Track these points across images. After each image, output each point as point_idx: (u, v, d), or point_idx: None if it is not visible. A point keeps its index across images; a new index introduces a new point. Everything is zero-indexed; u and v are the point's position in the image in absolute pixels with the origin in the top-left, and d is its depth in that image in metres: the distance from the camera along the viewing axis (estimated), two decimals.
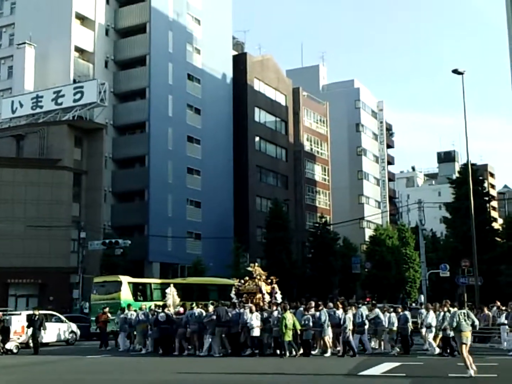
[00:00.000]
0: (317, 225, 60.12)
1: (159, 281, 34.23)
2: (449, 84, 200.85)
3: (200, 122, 54.93)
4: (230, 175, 57.01)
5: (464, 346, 14.40)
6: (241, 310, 20.97)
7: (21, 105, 47.77)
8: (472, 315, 15.15)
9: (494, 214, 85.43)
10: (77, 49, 50.12)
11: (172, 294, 24.33)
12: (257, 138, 60.55)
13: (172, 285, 25.52)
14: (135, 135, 51.86)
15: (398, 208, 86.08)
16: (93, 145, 46.52)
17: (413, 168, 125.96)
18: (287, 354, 19.48)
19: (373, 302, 26.83)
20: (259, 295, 22.66)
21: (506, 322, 21.75)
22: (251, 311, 20.54)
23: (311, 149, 69.61)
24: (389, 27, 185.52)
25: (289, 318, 19.61)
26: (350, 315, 20.48)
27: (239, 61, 60.13)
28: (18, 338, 25.21)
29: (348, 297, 60.33)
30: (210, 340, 21.01)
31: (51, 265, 40.65)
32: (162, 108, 51.23)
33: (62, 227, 41.02)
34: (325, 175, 71.72)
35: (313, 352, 20.52)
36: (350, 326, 20.09)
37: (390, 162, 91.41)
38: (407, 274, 60.95)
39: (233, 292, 23.26)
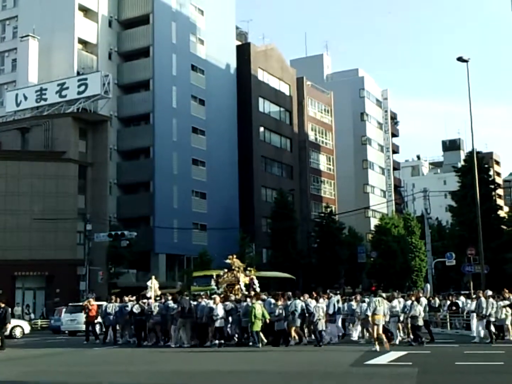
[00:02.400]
0: (322, 214, 60.17)
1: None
2: (454, 71, 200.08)
3: (204, 113, 54.88)
4: (235, 166, 57.00)
5: (376, 326, 18.32)
6: (207, 302, 21.23)
7: (26, 98, 47.77)
8: (385, 302, 18.95)
9: (500, 202, 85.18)
10: (81, 41, 50.07)
11: (153, 287, 24.49)
12: (261, 128, 60.48)
13: (153, 277, 25.69)
14: (140, 127, 51.86)
15: (403, 197, 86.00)
16: (97, 137, 46.54)
17: (418, 157, 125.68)
18: (259, 344, 19.62)
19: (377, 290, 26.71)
20: (237, 286, 23.07)
21: (473, 309, 21.80)
22: (215, 302, 20.81)
23: (316, 138, 69.50)
24: (393, 14, 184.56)
25: (258, 308, 19.75)
26: (321, 304, 20.42)
27: (243, 51, 59.98)
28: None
29: (354, 286, 60.65)
30: (174, 332, 21.44)
31: (57, 258, 40.75)
32: (166, 99, 51.18)
33: (68, 220, 41.09)
34: (330, 164, 71.63)
35: (291, 343, 20.46)
36: (320, 315, 19.94)
37: (395, 151, 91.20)
38: (413, 263, 60.97)
39: (212, 283, 23.83)
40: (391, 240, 59.80)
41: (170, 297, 22.51)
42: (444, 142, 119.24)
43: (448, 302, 25.66)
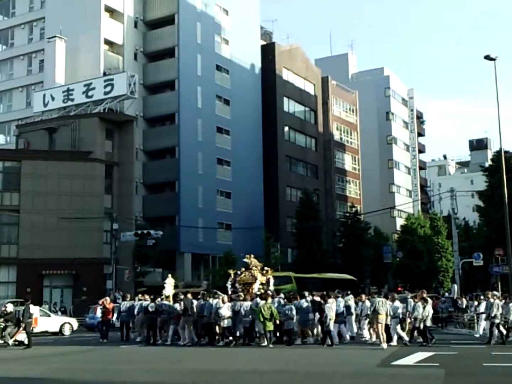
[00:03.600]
0: (347, 214, 59.90)
1: (308, 275, 39.74)
2: (481, 70, 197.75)
3: (229, 113, 54.99)
4: (259, 165, 57.03)
5: (380, 325, 19.07)
6: (213, 301, 21.30)
7: (53, 98, 48.31)
8: (387, 303, 19.53)
9: None
10: (107, 42, 50.51)
11: (170, 285, 24.70)
12: (286, 128, 60.42)
13: (170, 275, 25.90)
14: (165, 127, 52.14)
15: (429, 196, 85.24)
16: (124, 137, 46.88)
17: (445, 157, 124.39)
18: (270, 344, 19.74)
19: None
20: (254, 286, 23.14)
21: (483, 311, 21.79)
22: (223, 302, 20.89)
23: (341, 138, 69.23)
24: (418, 13, 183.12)
25: (266, 308, 19.78)
26: (331, 304, 20.36)
27: (268, 51, 59.98)
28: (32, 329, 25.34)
29: (379, 287, 60.22)
30: (171, 330, 21.94)
31: (84, 256, 41.19)
32: (192, 99, 51.38)
33: (95, 219, 41.44)
34: (355, 164, 71.31)
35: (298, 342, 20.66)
36: (331, 315, 19.95)
37: (421, 151, 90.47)
38: (439, 264, 60.42)
39: (229, 282, 23.95)
40: (417, 240, 59.33)
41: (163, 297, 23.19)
42: (471, 142, 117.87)
43: (476, 303, 25.41)
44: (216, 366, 15.60)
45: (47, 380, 13.53)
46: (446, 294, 42.86)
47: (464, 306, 25.98)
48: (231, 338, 20.83)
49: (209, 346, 20.89)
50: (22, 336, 22.88)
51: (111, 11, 51.02)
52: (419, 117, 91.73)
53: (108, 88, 46.50)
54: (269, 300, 20.70)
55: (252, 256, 24.32)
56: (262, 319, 19.71)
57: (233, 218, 52.78)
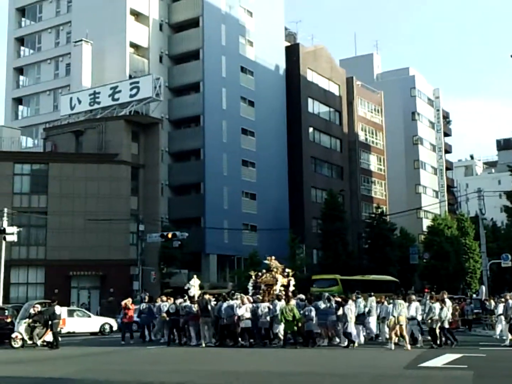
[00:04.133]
0: (373, 215, 59.55)
1: (352, 277, 42.11)
2: (508, 69, 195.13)
3: (254, 114, 55.04)
4: (284, 167, 56.98)
5: (400, 326, 19.04)
6: (231, 302, 21.33)
7: (79, 102, 48.82)
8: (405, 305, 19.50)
9: None
10: (132, 45, 50.91)
11: (195, 286, 24.84)
12: (311, 129, 60.30)
13: (195, 276, 26.17)
14: (190, 129, 52.36)
15: (456, 197, 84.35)
16: (149, 139, 47.20)
17: (472, 157, 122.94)
18: (284, 346, 19.82)
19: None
20: (275, 287, 23.26)
21: (501, 313, 21.67)
22: (243, 303, 20.93)
23: (366, 139, 68.88)
24: (444, 12, 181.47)
25: (288, 310, 19.77)
26: (350, 306, 20.36)
27: (292, 52, 59.92)
28: (60, 330, 25.59)
29: (406, 288, 59.70)
30: (193, 331, 22.00)
31: (111, 258, 41.53)
32: (216, 101, 51.54)
33: (121, 220, 41.77)
34: (380, 165, 70.89)
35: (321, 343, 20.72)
36: (350, 316, 19.97)
37: (448, 151, 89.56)
38: (467, 265, 59.77)
39: (250, 283, 24.15)
40: (444, 241, 58.78)
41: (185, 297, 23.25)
42: (498, 141, 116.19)
43: (493, 304, 25.15)
44: (241, 367, 15.60)
45: (75, 381, 13.67)
46: (474, 295, 42.39)
47: (492, 307, 25.67)
48: (251, 340, 20.85)
49: (229, 347, 20.92)
50: (50, 337, 23.12)
51: (136, 14, 51.42)
52: (445, 117, 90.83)
53: (134, 91, 46.86)
54: (292, 302, 20.64)
55: (273, 257, 24.49)
56: (284, 321, 19.70)
57: (258, 219, 52.81)
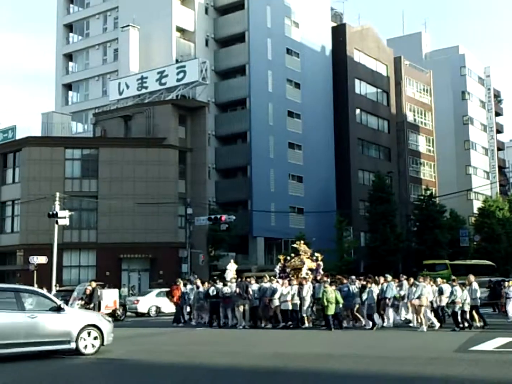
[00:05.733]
0: (422, 197, 58.75)
1: (456, 262, 46.00)
2: None
3: (300, 96, 54.72)
4: (331, 149, 56.61)
5: (422, 308, 19.62)
6: (272, 285, 21.69)
7: (128, 87, 49.39)
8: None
9: None
10: (179, 29, 51.12)
11: (232, 270, 25.21)
12: (358, 111, 59.67)
13: (232, 261, 26.56)
14: (236, 112, 52.43)
15: (508, 178, 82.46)
16: (196, 123, 47.47)
17: None
18: (331, 328, 19.83)
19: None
20: (303, 271, 23.64)
21: None
22: (283, 285, 21.28)
23: (415, 119, 67.81)
24: None
25: (330, 292, 19.85)
26: (374, 289, 20.52)
27: (338, 33, 59.23)
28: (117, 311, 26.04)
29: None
30: (230, 313, 22.45)
31: (160, 241, 42.14)
32: (262, 84, 51.42)
33: (169, 204, 42.28)
34: (429, 146, 69.76)
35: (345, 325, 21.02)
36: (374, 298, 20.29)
37: (499, 131, 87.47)
38: None
39: (278, 267, 24.71)
40: (496, 223, 57.73)
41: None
42: None
43: None
44: (291, 349, 15.67)
45: (127, 361, 13.99)
46: None
47: None
48: (290, 322, 21.06)
49: (266, 329, 21.23)
50: None
51: None
52: (497, 96, 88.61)
53: (181, 75, 47.12)
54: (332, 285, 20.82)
55: (302, 242, 25.04)
56: (326, 303, 19.80)
57: (305, 202, 52.71)
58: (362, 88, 60.66)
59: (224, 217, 38.85)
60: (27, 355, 13.48)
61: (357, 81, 59.83)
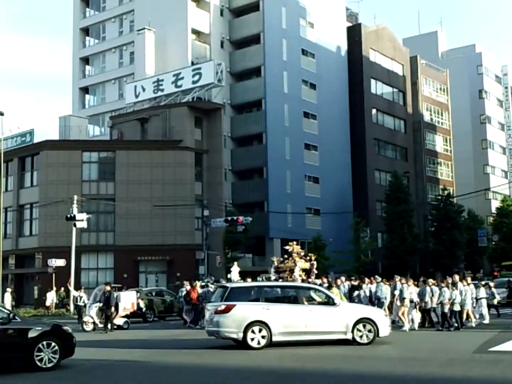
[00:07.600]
0: (439, 197, 58.41)
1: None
2: None
3: (315, 97, 54.62)
4: (347, 149, 56.45)
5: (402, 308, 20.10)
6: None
7: (144, 89, 49.62)
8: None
9: None
10: (194, 31, 51.26)
11: (235, 271, 25.43)
12: (374, 111, 59.45)
13: (236, 263, 27.46)
14: (252, 113, 52.46)
15: None
16: (212, 125, 47.57)
17: None
18: None
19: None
20: (295, 272, 24.45)
21: None
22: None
23: (431, 119, 67.41)
24: None
25: (337, 293, 19.86)
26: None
27: (354, 33, 59.06)
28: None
29: (474, 271, 58.50)
30: None
31: (177, 243, 42.29)
32: (278, 85, 51.39)
33: (186, 206, 42.39)
34: (446, 145, 69.30)
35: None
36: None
37: None
38: None
39: (272, 269, 25.42)
40: None
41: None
42: None
43: None
44: (307, 350, 15.64)
45: (147, 363, 14.04)
46: None
47: None
48: None
49: None
50: (120, 321, 23.78)
51: (197, 0, 51.68)
52: None
53: (196, 77, 47.25)
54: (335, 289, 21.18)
55: (295, 243, 25.76)
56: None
57: (321, 203, 52.59)
58: (378, 88, 60.43)
59: (240, 218, 38.81)
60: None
61: (373, 81, 59.62)
